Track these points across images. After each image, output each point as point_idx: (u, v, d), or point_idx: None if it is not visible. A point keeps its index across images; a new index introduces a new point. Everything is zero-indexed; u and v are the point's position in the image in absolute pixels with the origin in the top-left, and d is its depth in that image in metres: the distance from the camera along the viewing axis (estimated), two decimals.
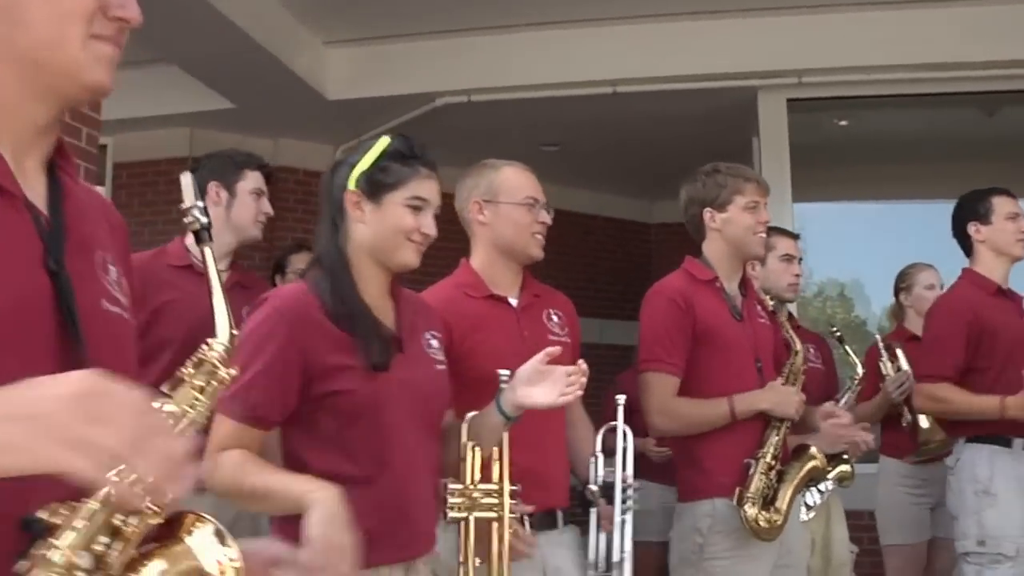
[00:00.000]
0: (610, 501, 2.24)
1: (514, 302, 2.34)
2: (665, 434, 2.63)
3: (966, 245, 3.29)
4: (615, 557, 2.21)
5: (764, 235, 2.68)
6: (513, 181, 2.34)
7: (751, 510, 2.45)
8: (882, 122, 6.07)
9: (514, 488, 1.90)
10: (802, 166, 5.24)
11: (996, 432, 3.06)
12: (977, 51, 4.78)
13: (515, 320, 2.31)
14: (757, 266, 2.99)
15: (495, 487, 1.90)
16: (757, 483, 2.49)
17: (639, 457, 3.99)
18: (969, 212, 3.25)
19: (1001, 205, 3.20)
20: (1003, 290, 3.22)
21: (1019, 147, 5.61)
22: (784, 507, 2.51)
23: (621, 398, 2.34)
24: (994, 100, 5.46)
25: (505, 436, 1.91)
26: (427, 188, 1.87)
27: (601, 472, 2.29)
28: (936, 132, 6.16)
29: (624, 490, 2.24)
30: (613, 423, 2.31)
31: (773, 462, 2.53)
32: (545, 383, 1.88)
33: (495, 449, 1.91)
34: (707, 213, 2.67)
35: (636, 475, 2.29)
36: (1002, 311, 3.16)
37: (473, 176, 2.39)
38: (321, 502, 1.57)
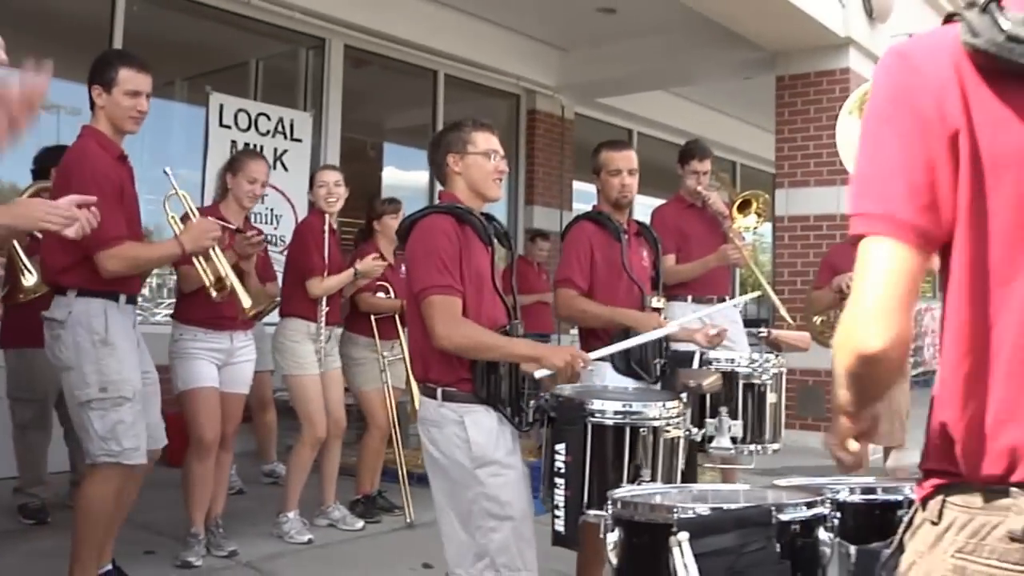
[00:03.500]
0: None
1: None
2: None
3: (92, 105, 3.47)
4: None
5: None
6: None
7: None
8: None
9: None
10: None
11: (106, 288, 3.38)
12: None
13: None
14: None
15: None
16: None
17: None
18: (95, 75, 3.44)
19: (128, 79, 3.40)
20: (123, 156, 3.49)
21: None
22: None
23: None
24: None
25: None
26: None
27: None
28: None
29: None
30: None
31: None
32: None
33: None
34: None
35: None
36: (124, 175, 3.45)
37: None
38: None
